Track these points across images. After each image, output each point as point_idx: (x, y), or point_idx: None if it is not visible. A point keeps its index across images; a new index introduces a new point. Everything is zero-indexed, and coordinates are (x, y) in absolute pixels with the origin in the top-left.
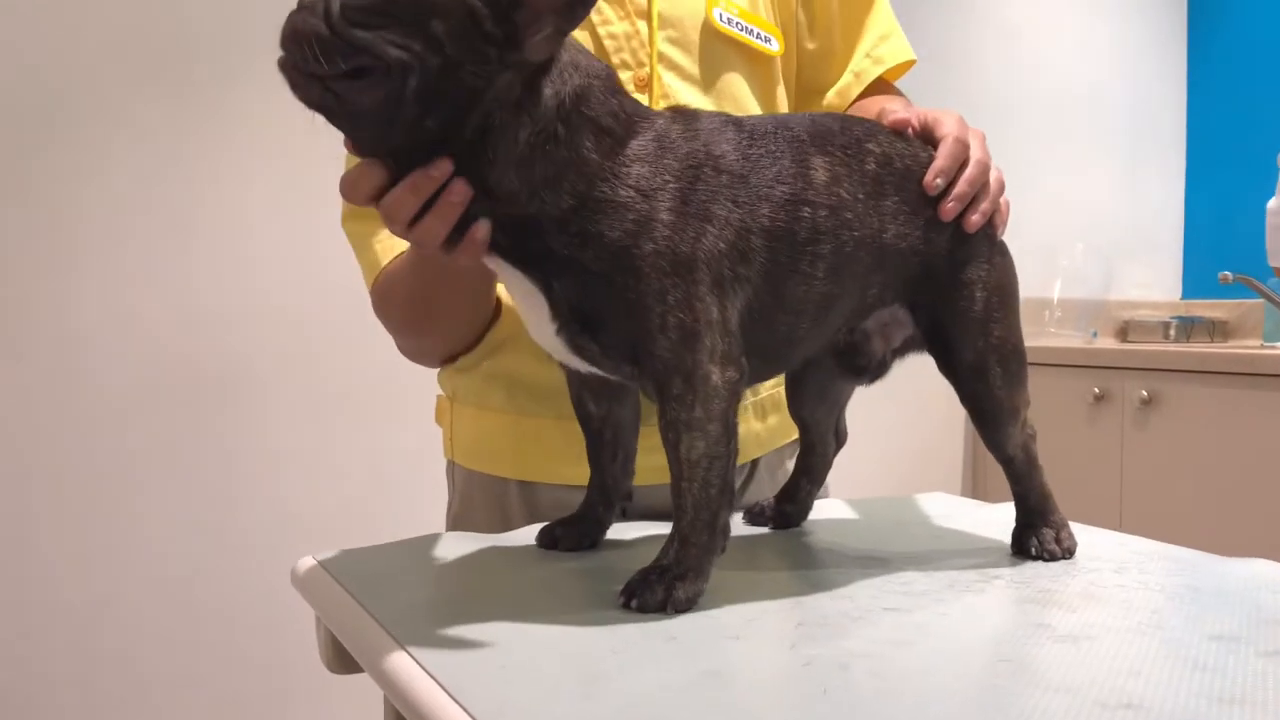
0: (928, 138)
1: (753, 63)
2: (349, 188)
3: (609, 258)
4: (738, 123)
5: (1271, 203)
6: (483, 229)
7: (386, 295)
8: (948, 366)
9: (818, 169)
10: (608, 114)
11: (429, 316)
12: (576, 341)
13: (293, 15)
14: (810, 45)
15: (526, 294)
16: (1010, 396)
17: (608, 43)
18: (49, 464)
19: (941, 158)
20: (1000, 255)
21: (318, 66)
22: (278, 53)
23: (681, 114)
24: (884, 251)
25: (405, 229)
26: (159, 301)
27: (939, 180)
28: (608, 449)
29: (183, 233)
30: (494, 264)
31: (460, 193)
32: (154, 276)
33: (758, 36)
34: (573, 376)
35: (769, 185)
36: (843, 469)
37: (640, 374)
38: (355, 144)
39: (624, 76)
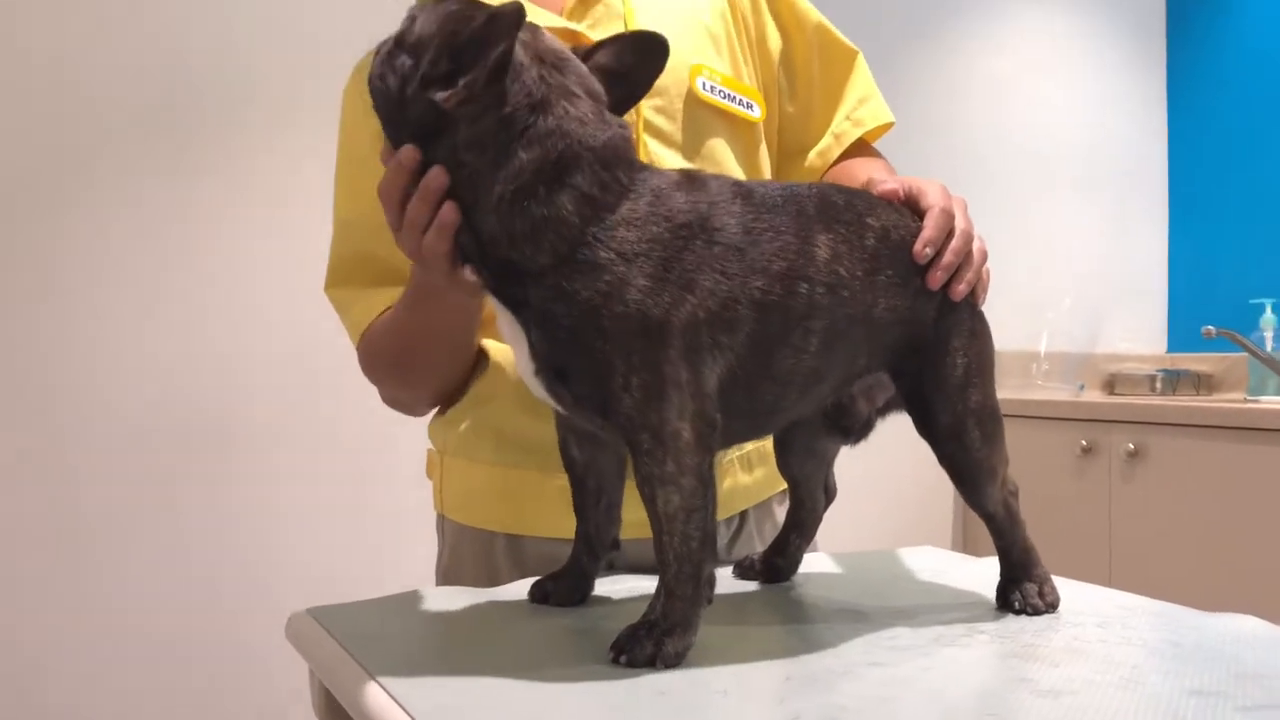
0: (913, 206)
1: (735, 128)
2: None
3: (579, 315)
4: (747, 194)
5: None
6: (451, 212)
7: (372, 350)
8: (926, 429)
9: (821, 246)
10: (596, 183)
11: (413, 368)
12: (552, 387)
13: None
14: (791, 108)
15: (513, 333)
16: (988, 457)
17: None
18: (35, 515)
19: (929, 228)
20: (980, 322)
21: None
22: (274, 104)
23: (690, 179)
24: (875, 325)
25: (398, 212)
26: (148, 355)
27: (928, 250)
28: (591, 496)
29: (173, 287)
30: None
31: (437, 178)
32: (143, 331)
33: (740, 103)
34: (560, 420)
35: (767, 259)
36: (834, 523)
37: (608, 428)
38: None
39: None
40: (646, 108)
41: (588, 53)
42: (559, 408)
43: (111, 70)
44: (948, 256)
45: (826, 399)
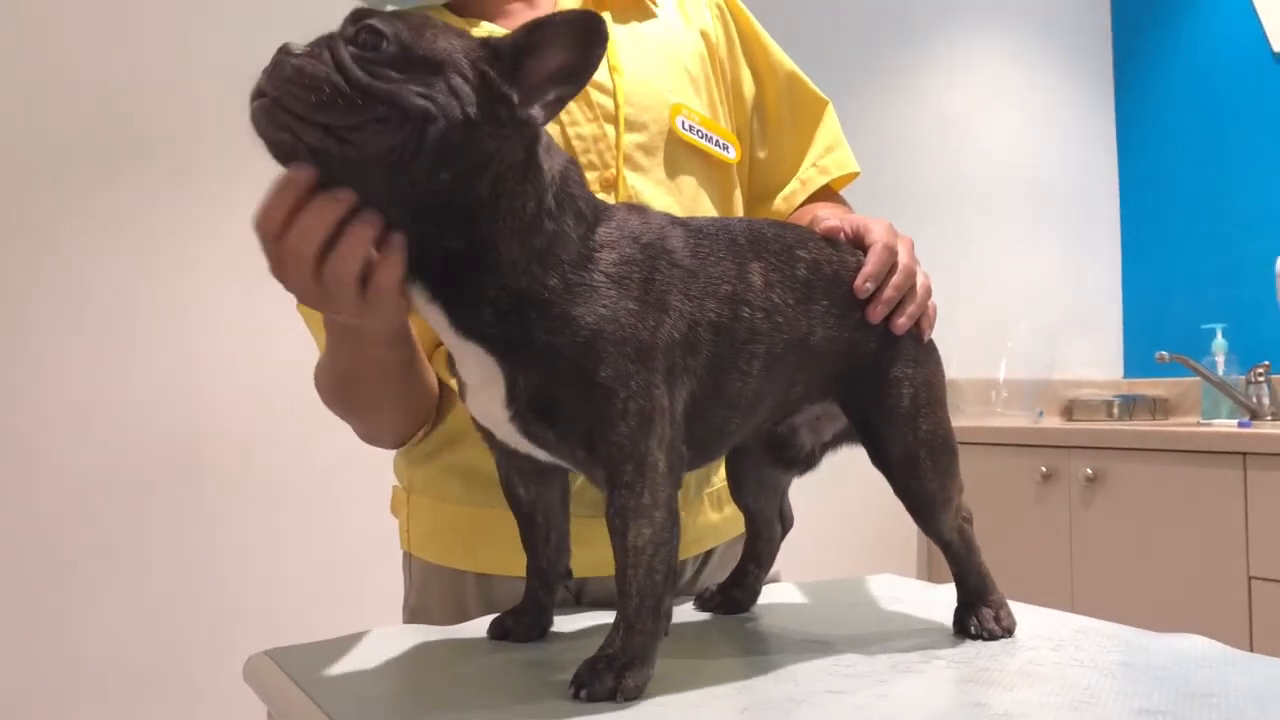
0: (858, 243)
1: (711, 169)
2: (265, 215)
3: (583, 343)
4: (683, 222)
5: None
6: (400, 236)
7: (318, 385)
8: (880, 460)
9: (754, 273)
10: (584, 197)
11: (357, 408)
12: (530, 428)
13: (289, 58)
14: (761, 153)
15: (486, 378)
16: (942, 488)
17: (575, 143)
18: None
19: (870, 263)
20: (927, 353)
21: (326, 114)
22: (234, 137)
23: (631, 207)
24: (810, 353)
25: (314, 266)
26: (106, 391)
27: (869, 284)
28: (540, 531)
29: (130, 321)
30: (453, 343)
31: (373, 220)
32: (101, 366)
33: (717, 144)
34: (502, 460)
35: (715, 282)
36: (797, 552)
37: (592, 460)
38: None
39: (590, 176)
40: (627, 142)
41: (516, 48)
42: (534, 450)
43: (59, 107)
44: (888, 291)
45: (763, 423)
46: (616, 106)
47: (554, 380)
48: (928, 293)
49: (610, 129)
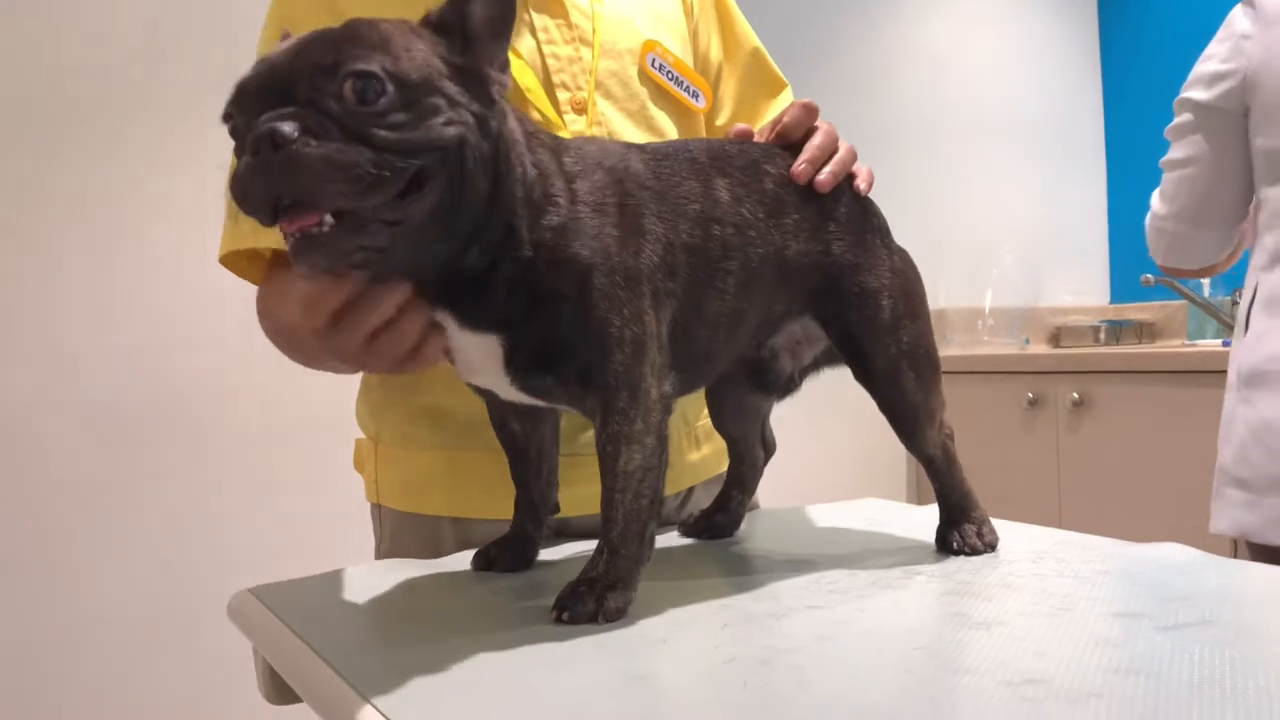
0: (784, 138)
1: (680, 114)
2: (311, 307)
3: (582, 278)
4: (639, 147)
5: (1155, 203)
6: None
7: (261, 315)
8: (863, 374)
9: (720, 189)
10: (542, 132)
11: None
12: (529, 382)
13: (297, 153)
14: (718, 121)
15: (486, 354)
16: (925, 400)
17: (550, 62)
18: None
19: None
20: (902, 261)
21: (374, 193)
22: (198, 87)
23: (587, 139)
24: (787, 267)
25: (363, 347)
26: (88, 336)
27: (803, 165)
28: (532, 465)
29: (110, 265)
30: (455, 338)
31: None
32: (84, 310)
33: (686, 89)
34: (494, 401)
35: (683, 202)
36: (784, 478)
37: (588, 393)
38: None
39: (562, 98)
40: (601, 67)
41: (451, 19)
42: (532, 400)
43: (31, 61)
44: (810, 151)
45: (747, 342)
46: (594, 31)
47: (555, 326)
48: (852, 155)
49: (586, 52)
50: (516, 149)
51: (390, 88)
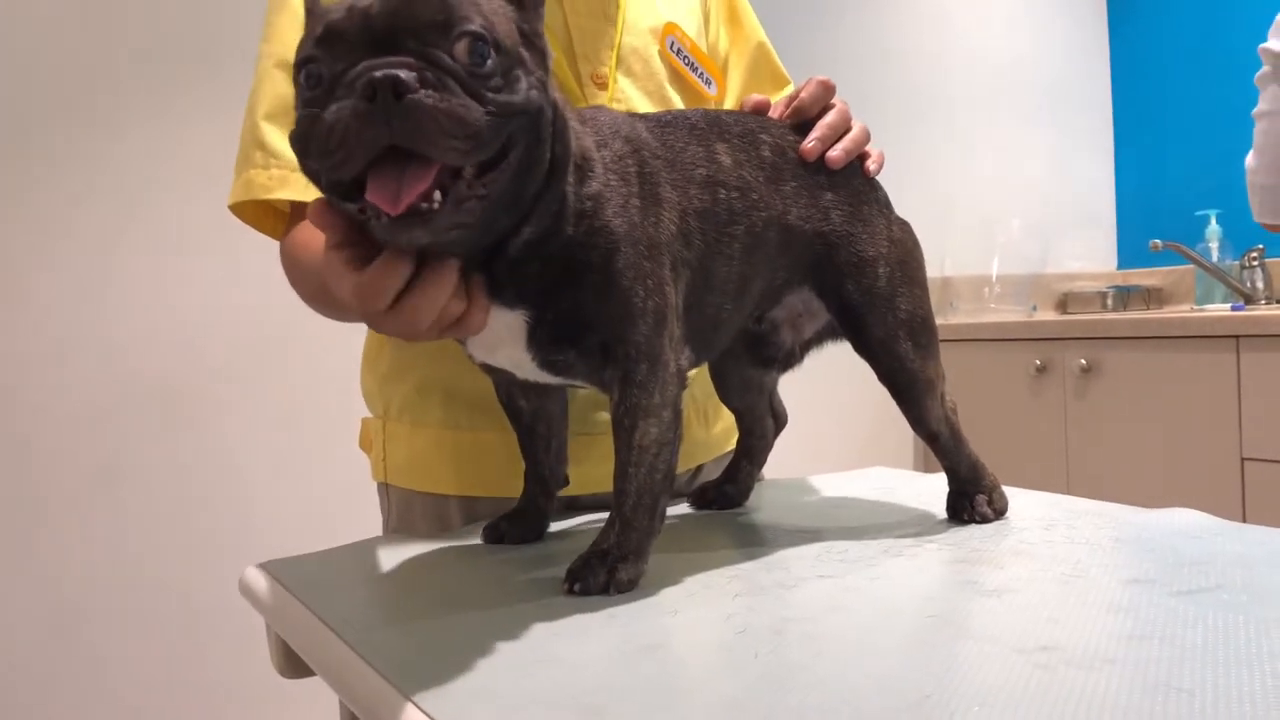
0: (798, 115)
1: (693, 101)
2: (373, 294)
3: (609, 250)
4: (640, 116)
5: (1249, 159)
6: (477, 280)
7: (287, 263)
8: (861, 345)
9: (722, 154)
10: (566, 101)
11: (345, 318)
12: (549, 358)
13: (419, 102)
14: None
15: (508, 327)
16: (924, 368)
17: (574, 33)
18: None
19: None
20: (902, 232)
21: (480, 153)
22: (188, 72)
23: (593, 109)
24: (789, 233)
25: (390, 305)
26: (102, 317)
27: (814, 143)
28: (541, 441)
29: (119, 247)
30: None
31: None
32: (96, 291)
33: (700, 75)
34: (500, 378)
35: (690, 167)
36: (792, 448)
37: (609, 365)
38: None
39: (584, 71)
40: (624, 43)
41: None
42: (553, 378)
43: (26, 46)
44: (821, 130)
45: (750, 313)
46: (619, 6)
47: (582, 298)
48: (865, 135)
49: (609, 27)
50: (559, 118)
51: (492, 51)
